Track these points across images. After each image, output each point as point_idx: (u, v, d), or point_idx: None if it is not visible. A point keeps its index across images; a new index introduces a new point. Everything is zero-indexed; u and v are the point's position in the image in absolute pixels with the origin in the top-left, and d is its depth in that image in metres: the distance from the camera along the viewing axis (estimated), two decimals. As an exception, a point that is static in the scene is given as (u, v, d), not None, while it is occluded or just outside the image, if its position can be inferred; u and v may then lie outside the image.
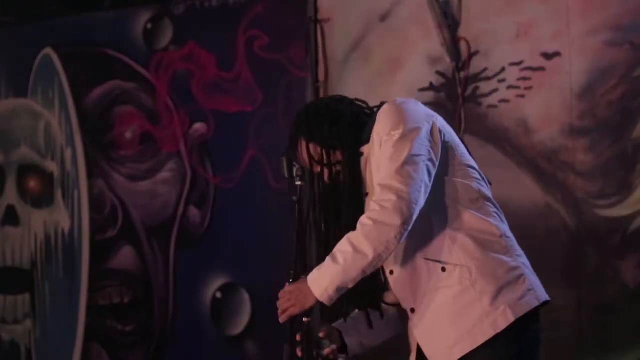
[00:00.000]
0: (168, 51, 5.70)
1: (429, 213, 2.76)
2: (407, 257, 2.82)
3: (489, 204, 2.85)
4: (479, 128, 4.74)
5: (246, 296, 5.43)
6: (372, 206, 2.70)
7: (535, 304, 2.76)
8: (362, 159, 2.90)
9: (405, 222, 2.66)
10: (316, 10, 5.25)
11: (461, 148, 2.88)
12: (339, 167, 2.91)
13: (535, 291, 2.78)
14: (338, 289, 2.72)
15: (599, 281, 4.48)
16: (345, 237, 2.71)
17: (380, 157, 2.78)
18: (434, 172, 2.76)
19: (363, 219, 2.69)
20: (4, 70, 6.23)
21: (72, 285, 5.93)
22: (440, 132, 2.83)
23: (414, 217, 2.69)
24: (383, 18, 5.03)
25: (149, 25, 5.77)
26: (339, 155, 2.91)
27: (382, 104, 2.92)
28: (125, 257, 5.80)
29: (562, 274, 4.54)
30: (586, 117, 4.53)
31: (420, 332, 2.86)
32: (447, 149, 2.82)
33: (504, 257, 2.78)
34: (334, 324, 3.02)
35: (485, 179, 2.91)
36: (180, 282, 5.66)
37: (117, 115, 5.85)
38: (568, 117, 4.56)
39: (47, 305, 6.03)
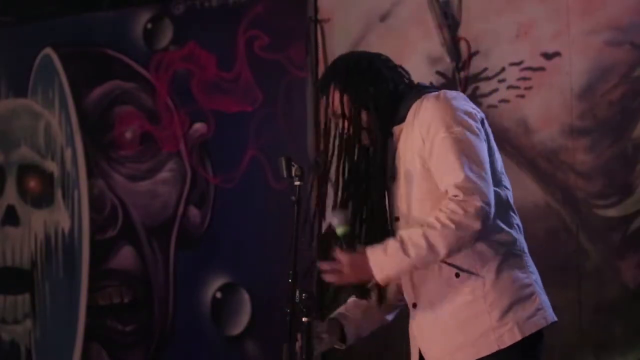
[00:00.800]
0: (168, 51, 5.70)
1: None
2: None
3: (513, 215, 2.81)
4: (479, 128, 4.73)
5: (246, 296, 5.43)
6: (452, 206, 2.60)
7: (543, 324, 2.74)
8: (391, 140, 2.83)
9: (484, 227, 2.63)
10: (316, 10, 5.25)
11: (497, 153, 2.82)
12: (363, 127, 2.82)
13: (544, 311, 2.76)
14: (399, 275, 2.73)
15: (599, 281, 4.48)
16: (421, 230, 2.63)
17: (440, 154, 2.67)
18: None
19: (443, 219, 2.60)
20: (4, 70, 6.23)
21: (72, 285, 5.93)
22: (486, 132, 2.77)
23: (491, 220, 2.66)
24: (383, 18, 5.03)
25: (149, 25, 5.77)
26: (366, 117, 2.82)
27: (419, 85, 2.86)
28: (125, 257, 5.80)
29: (562, 274, 4.54)
30: (586, 117, 4.53)
31: (420, 328, 2.84)
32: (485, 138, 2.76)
33: (519, 273, 2.75)
34: (332, 315, 2.97)
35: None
36: (180, 282, 5.66)
37: (117, 115, 5.85)
38: (568, 117, 4.56)
39: (47, 305, 6.03)
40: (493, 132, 2.84)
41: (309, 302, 2.79)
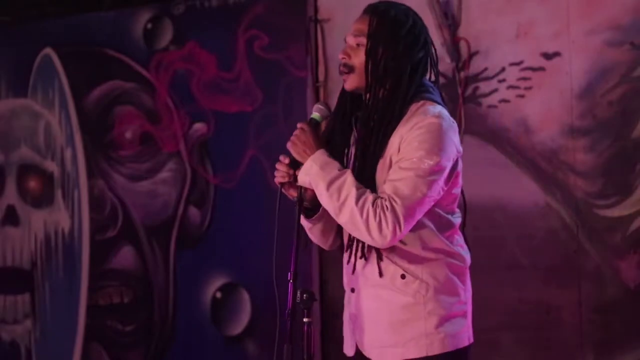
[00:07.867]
0: (168, 51, 5.70)
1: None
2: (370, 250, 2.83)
3: (459, 238, 2.86)
4: (479, 128, 4.74)
5: (246, 296, 5.44)
6: (386, 207, 2.66)
7: (466, 344, 2.82)
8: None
9: (382, 246, 2.71)
10: (316, 10, 5.26)
11: (460, 181, 2.86)
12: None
13: (468, 331, 2.85)
14: (308, 185, 2.91)
15: (599, 281, 4.48)
16: (356, 190, 2.71)
17: (402, 169, 2.71)
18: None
19: (378, 205, 2.67)
20: (4, 70, 6.23)
21: (72, 285, 5.93)
22: (456, 168, 2.80)
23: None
24: (383, 18, 5.02)
25: (149, 25, 5.77)
26: (385, 89, 2.80)
27: (421, 97, 2.80)
28: (125, 257, 5.80)
29: (562, 274, 4.54)
30: (586, 117, 4.53)
31: (356, 314, 2.89)
32: (450, 179, 2.80)
33: (460, 290, 2.83)
34: None
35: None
36: (180, 282, 5.66)
37: (117, 115, 5.85)
38: (568, 117, 4.56)
39: (47, 305, 6.03)
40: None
41: (309, 302, 2.81)
